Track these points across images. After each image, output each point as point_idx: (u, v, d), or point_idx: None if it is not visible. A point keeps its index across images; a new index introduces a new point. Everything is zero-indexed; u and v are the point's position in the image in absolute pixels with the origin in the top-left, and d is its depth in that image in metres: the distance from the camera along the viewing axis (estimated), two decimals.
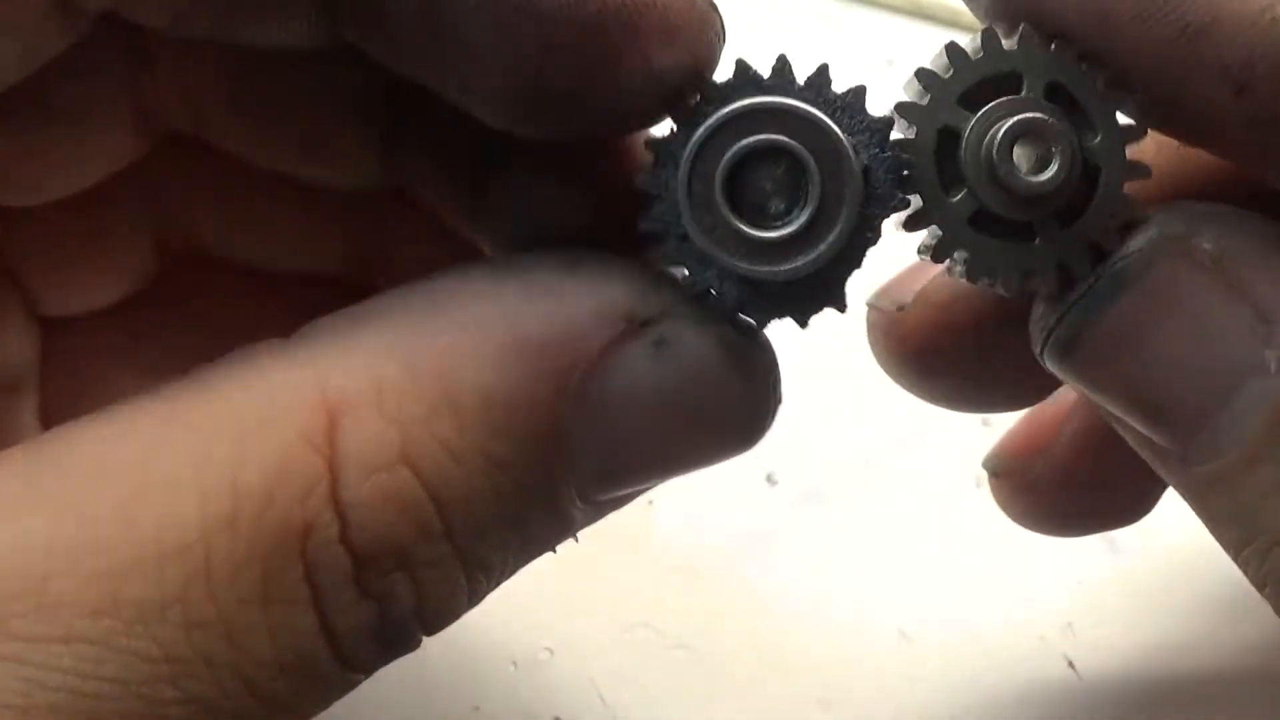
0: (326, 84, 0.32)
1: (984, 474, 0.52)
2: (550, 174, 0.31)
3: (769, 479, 0.53)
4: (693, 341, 0.27)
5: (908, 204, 0.28)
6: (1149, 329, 0.27)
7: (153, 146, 0.34)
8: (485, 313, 0.26)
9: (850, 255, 0.27)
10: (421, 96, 0.29)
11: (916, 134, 0.27)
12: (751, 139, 0.26)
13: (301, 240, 0.37)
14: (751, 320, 0.28)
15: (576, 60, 0.26)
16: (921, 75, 0.28)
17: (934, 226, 0.28)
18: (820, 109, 0.27)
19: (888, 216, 0.28)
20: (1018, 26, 0.28)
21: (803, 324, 0.28)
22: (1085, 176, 0.27)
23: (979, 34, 0.28)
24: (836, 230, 0.26)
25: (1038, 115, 0.26)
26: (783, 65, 0.27)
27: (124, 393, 0.25)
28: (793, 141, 0.26)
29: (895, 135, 0.28)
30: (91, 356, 0.38)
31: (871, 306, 0.32)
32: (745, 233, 0.26)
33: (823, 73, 0.27)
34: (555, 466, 0.26)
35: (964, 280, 0.28)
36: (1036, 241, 0.27)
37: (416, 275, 0.34)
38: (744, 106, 0.26)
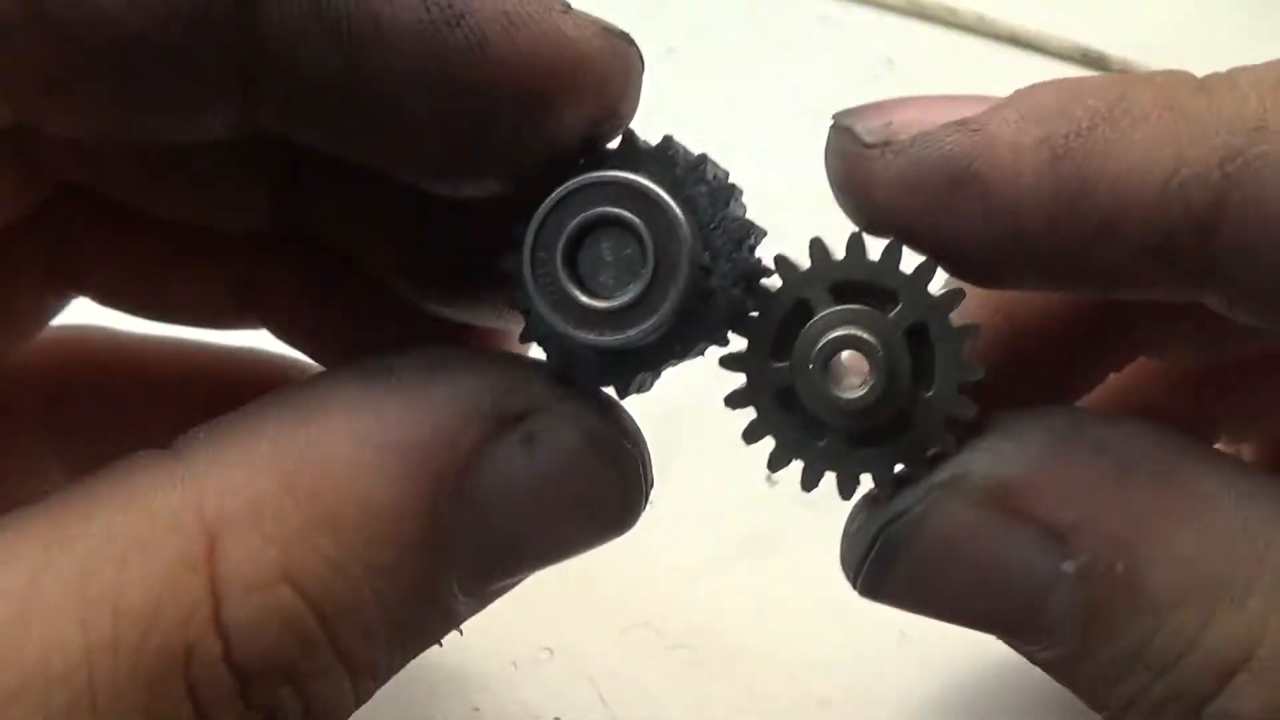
0: (223, 150, 0.32)
1: None
2: (468, 221, 0.31)
3: (769, 479, 0.53)
4: (562, 435, 0.27)
5: (762, 232, 0.29)
6: (940, 576, 0.28)
7: (45, 197, 0.34)
8: (356, 420, 0.26)
9: (697, 321, 0.28)
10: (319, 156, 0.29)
11: (760, 312, 0.28)
12: (591, 210, 0.27)
13: (193, 278, 0.38)
14: (610, 391, 0.29)
15: (515, 124, 0.26)
16: (779, 263, 0.28)
17: (752, 405, 0.29)
18: (665, 186, 0.27)
19: (748, 244, 0.28)
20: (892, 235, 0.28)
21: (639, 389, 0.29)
22: (911, 404, 0.28)
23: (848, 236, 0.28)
24: (669, 299, 0.27)
25: (862, 336, 0.27)
26: (630, 138, 0.28)
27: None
28: (625, 214, 0.27)
29: (766, 282, 0.28)
30: None
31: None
32: (582, 302, 0.27)
33: (668, 143, 0.28)
34: (436, 567, 0.27)
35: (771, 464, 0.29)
36: (849, 449, 0.28)
37: (297, 315, 0.36)
38: (582, 180, 0.27)
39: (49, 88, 0.26)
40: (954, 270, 0.29)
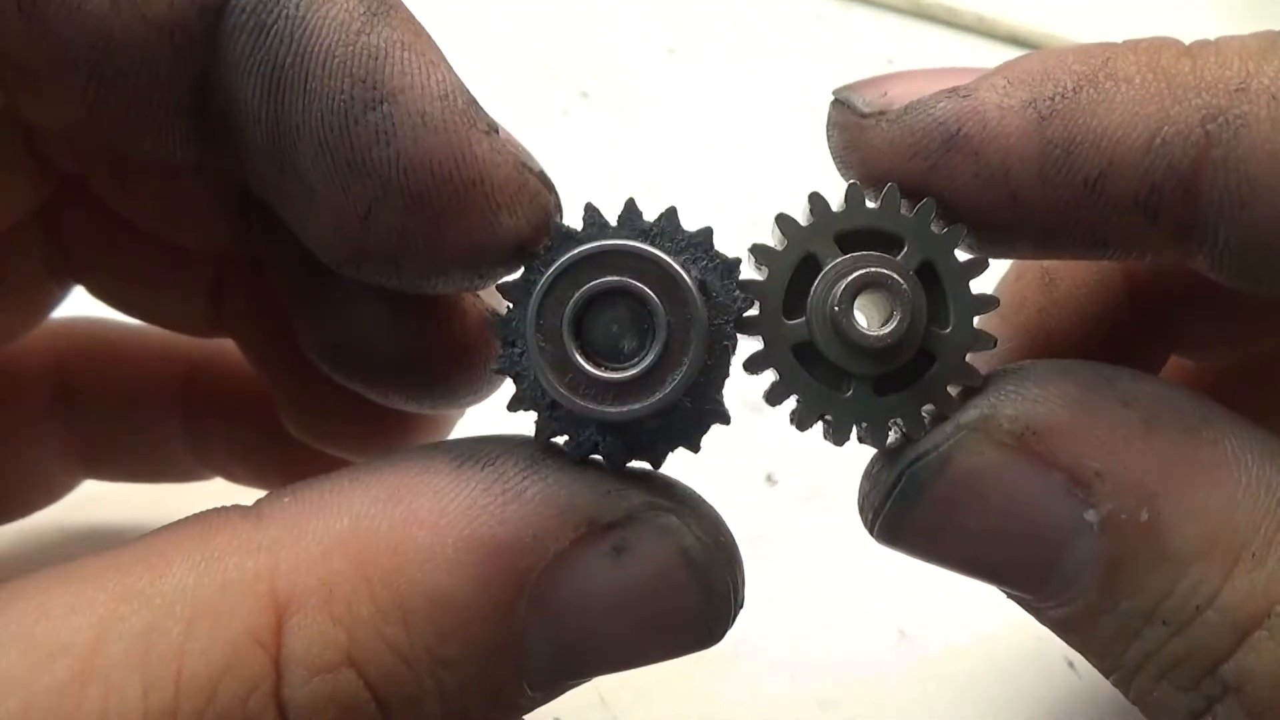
0: (189, 178, 0.33)
1: None
2: (380, 305, 0.31)
3: (769, 479, 0.53)
4: (654, 548, 0.27)
5: (751, 303, 0.28)
6: (962, 515, 0.27)
7: (50, 194, 0.35)
8: (443, 510, 0.25)
9: (710, 378, 0.27)
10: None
11: (769, 271, 0.28)
12: (598, 281, 0.26)
13: (173, 286, 0.38)
14: (649, 464, 0.28)
15: (398, 226, 0.26)
16: (781, 221, 0.28)
17: (771, 368, 0.28)
18: (661, 248, 0.27)
19: (733, 326, 0.27)
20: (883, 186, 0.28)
21: (694, 449, 0.28)
22: (930, 342, 0.28)
23: (846, 187, 0.28)
24: (688, 360, 0.26)
25: (884, 272, 0.27)
26: (630, 207, 0.27)
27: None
28: (635, 283, 0.26)
29: (745, 275, 0.28)
30: None
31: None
32: (600, 377, 0.26)
33: (671, 215, 0.27)
34: (506, 666, 0.26)
35: (796, 428, 0.28)
36: (874, 397, 0.28)
37: (258, 340, 0.37)
38: (587, 250, 0.26)
39: (37, 76, 0.27)
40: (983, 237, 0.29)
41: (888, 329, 0.27)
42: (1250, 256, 0.27)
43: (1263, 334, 0.35)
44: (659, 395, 0.26)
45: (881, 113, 0.28)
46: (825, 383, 0.28)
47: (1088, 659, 0.28)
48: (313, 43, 0.26)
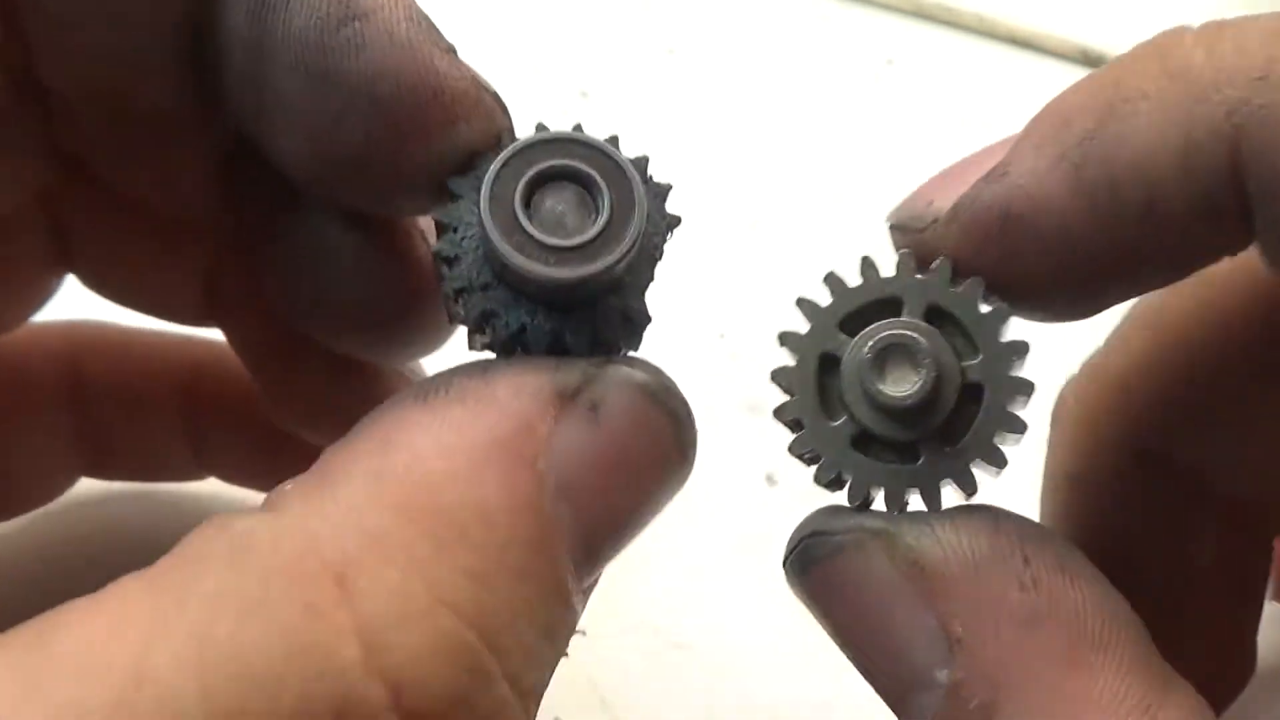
0: (178, 127, 0.34)
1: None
2: (346, 248, 0.33)
3: (769, 479, 0.53)
4: (620, 397, 0.27)
5: (679, 220, 0.30)
6: (839, 604, 0.28)
7: (51, 177, 0.35)
8: (436, 435, 0.25)
9: (641, 266, 0.29)
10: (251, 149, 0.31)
11: (799, 361, 0.29)
12: (548, 162, 0.28)
13: (166, 269, 0.39)
14: (571, 348, 0.29)
15: (363, 133, 0.28)
16: (803, 305, 0.29)
17: (817, 451, 0.29)
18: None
19: (667, 233, 0.30)
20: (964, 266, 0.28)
21: (627, 341, 0.29)
22: (971, 395, 0.28)
23: (860, 260, 0.29)
24: (630, 230, 0.28)
25: (903, 332, 0.28)
26: (578, 127, 0.29)
27: None
28: (582, 165, 0.28)
29: (778, 365, 0.29)
30: None
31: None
32: (547, 242, 0.28)
33: (614, 140, 0.29)
34: (558, 557, 0.26)
35: (854, 501, 0.29)
36: (920, 461, 0.28)
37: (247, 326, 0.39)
38: (538, 137, 0.29)
39: (60, 25, 0.30)
40: (1051, 313, 0.29)
41: (909, 389, 0.27)
42: None
43: None
44: (599, 261, 0.28)
45: (934, 220, 0.28)
46: (882, 459, 0.28)
47: None
48: None
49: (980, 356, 0.28)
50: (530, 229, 0.27)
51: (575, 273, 0.27)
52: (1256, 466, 0.33)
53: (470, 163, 0.29)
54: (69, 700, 0.21)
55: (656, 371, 0.29)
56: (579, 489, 0.26)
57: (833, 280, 0.29)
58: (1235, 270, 0.31)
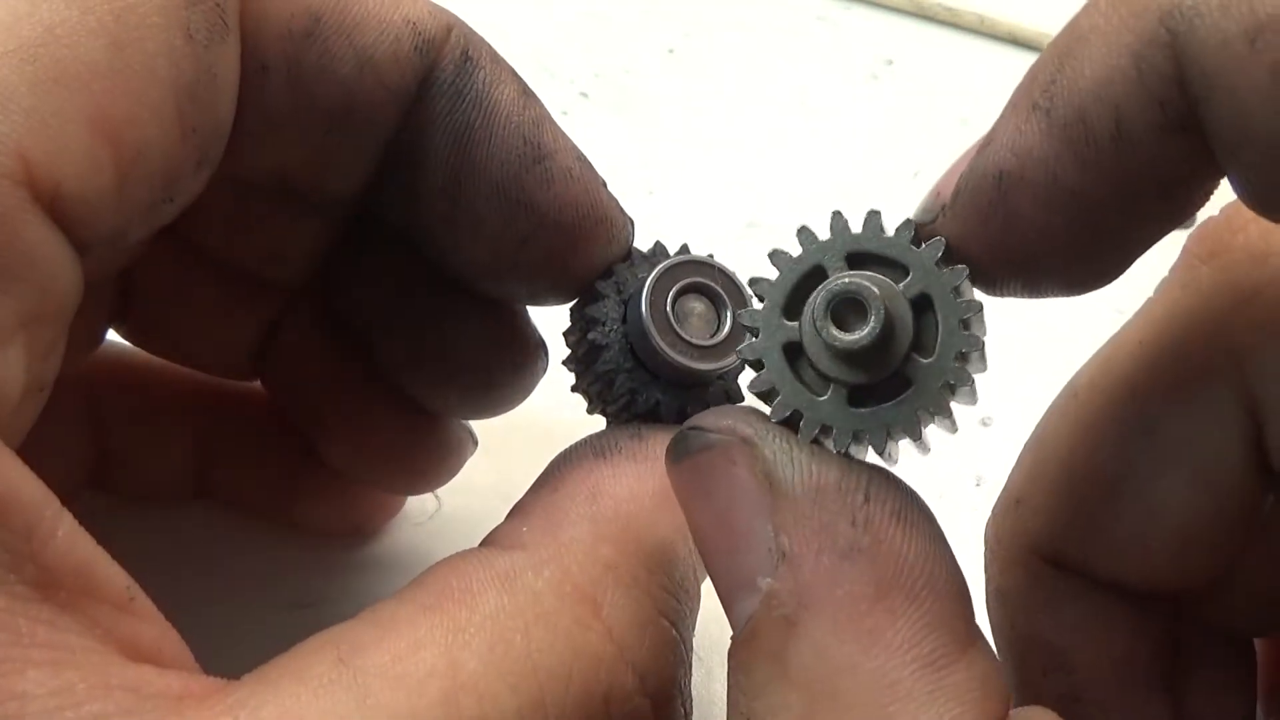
0: (323, 210, 0.38)
1: (984, 473, 0.52)
2: (472, 317, 0.39)
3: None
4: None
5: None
6: (696, 492, 0.30)
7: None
8: (631, 487, 0.32)
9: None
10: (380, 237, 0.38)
11: (779, 275, 0.30)
12: (690, 279, 0.36)
13: (222, 325, 0.42)
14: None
15: (545, 249, 0.35)
16: (801, 233, 0.30)
17: (763, 370, 0.30)
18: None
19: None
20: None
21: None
22: (911, 369, 0.29)
23: (866, 212, 0.30)
24: (745, 336, 0.32)
25: (859, 281, 0.28)
26: (685, 248, 0.37)
27: None
28: (711, 283, 0.36)
29: (785, 248, 0.31)
30: None
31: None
32: (691, 340, 0.35)
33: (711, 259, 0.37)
34: (700, 577, 0.32)
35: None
36: (847, 406, 0.29)
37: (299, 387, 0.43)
38: (682, 258, 0.36)
39: (281, 130, 0.33)
40: (1070, 280, 0.30)
41: (855, 335, 0.28)
42: (1241, 140, 0.26)
43: None
44: (728, 358, 0.36)
45: (942, 208, 0.30)
46: (807, 384, 0.29)
47: None
48: (495, 110, 0.34)
49: (939, 325, 0.29)
50: (679, 330, 0.35)
51: (712, 365, 0.35)
52: (1146, 559, 0.34)
53: (609, 269, 0.36)
54: (403, 707, 0.26)
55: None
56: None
57: (804, 233, 0.30)
58: (1097, 377, 0.35)
